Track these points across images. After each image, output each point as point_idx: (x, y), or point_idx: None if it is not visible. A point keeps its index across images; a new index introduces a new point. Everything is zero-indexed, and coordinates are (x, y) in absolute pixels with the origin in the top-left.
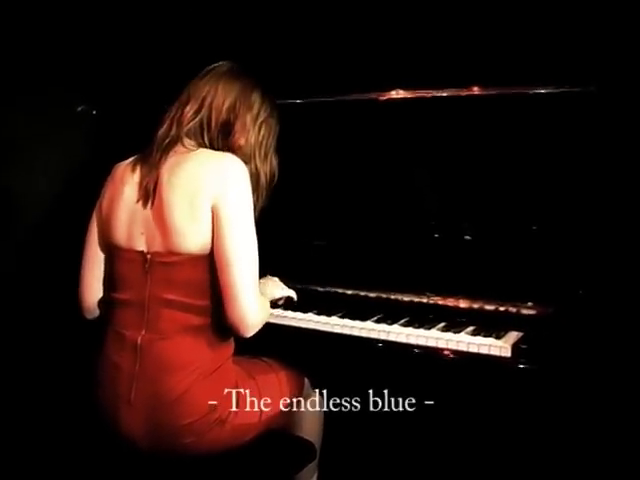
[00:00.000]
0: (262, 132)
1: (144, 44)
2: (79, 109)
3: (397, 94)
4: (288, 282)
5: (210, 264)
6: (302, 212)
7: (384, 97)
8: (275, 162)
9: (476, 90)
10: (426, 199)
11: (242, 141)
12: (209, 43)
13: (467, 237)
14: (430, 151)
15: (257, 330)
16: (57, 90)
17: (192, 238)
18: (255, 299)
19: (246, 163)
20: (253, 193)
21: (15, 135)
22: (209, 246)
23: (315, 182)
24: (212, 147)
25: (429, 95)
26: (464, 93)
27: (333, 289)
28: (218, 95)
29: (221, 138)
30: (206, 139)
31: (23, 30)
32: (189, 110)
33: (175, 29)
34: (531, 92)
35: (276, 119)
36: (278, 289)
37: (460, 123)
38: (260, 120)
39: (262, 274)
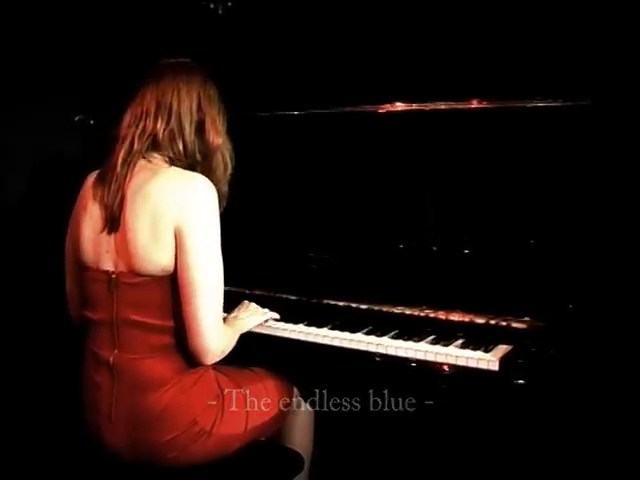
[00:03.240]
0: (224, 119)
1: (142, 54)
2: (76, 119)
3: (395, 107)
4: (280, 293)
5: (174, 286)
6: (297, 223)
7: (383, 109)
8: (231, 144)
9: (474, 103)
10: (424, 212)
11: (218, 139)
12: (207, 53)
13: (466, 251)
14: (429, 164)
15: (219, 358)
16: (54, 100)
17: (154, 261)
18: (217, 327)
19: (220, 157)
20: (222, 181)
21: (13, 144)
22: (172, 268)
23: (311, 193)
24: (186, 152)
25: (427, 108)
26: (462, 106)
27: (325, 300)
28: (183, 97)
29: (197, 141)
30: (180, 145)
31: (21, 40)
32: (155, 121)
33: (174, 40)
34: (529, 105)
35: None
36: (253, 318)
37: (458, 136)
38: (221, 108)
39: (253, 284)
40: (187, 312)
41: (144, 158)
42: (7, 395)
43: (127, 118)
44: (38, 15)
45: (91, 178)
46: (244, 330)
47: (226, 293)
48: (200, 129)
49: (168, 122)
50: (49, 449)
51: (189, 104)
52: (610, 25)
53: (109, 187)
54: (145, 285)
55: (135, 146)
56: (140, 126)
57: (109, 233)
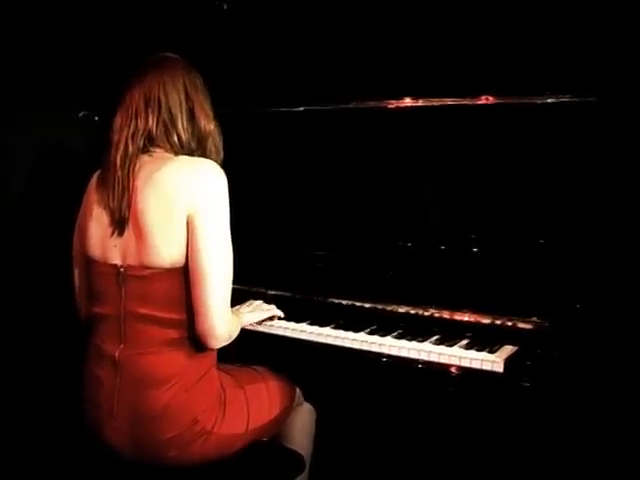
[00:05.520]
0: (210, 103)
1: (147, 49)
2: (81, 114)
3: (404, 102)
4: (283, 291)
5: (184, 277)
6: (302, 220)
7: (391, 105)
8: (219, 128)
9: (482, 99)
10: (431, 210)
11: (209, 124)
12: (212, 49)
13: (473, 249)
14: (436, 160)
15: (226, 343)
16: (59, 96)
17: (166, 251)
18: (225, 311)
19: (213, 141)
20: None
21: (16, 142)
22: (183, 259)
23: (317, 191)
24: (181, 142)
25: (435, 104)
26: (471, 102)
27: (329, 299)
28: (170, 89)
29: (189, 129)
30: (174, 137)
31: (25, 36)
32: (146, 118)
33: (179, 36)
34: (538, 102)
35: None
36: (259, 312)
37: (467, 133)
38: (206, 93)
39: (256, 282)
40: (196, 296)
41: (145, 153)
42: (9, 390)
43: (118, 121)
44: (40, 8)
45: (95, 178)
46: (247, 323)
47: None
48: (191, 117)
49: (159, 116)
50: (50, 445)
51: (177, 95)
52: (618, 22)
53: (113, 190)
54: (153, 278)
55: (130, 148)
56: (132, 126)
57: (118, 230)
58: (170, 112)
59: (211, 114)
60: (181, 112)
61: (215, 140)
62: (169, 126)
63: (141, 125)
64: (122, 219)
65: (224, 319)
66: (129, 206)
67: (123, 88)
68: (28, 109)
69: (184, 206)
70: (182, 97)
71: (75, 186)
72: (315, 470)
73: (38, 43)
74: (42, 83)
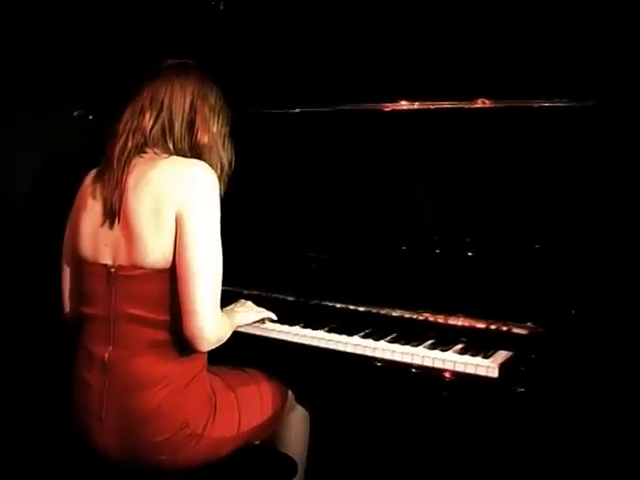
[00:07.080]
0: (220, 121)
1: (143, 49)
2: (75, 114)
3: (400, 105)
4: (277, 293)
5: (173, 278)
6: (296, 222)
7: (387, 108)
8: (231, 148)
9: (479, 103)
10: (426, 213)
11: (205, 137)
12: (208, 50)
13: (468, 254)
14: (432, 164)
15: (214, 346)
16: (54, 95)
17: (156, 250)
18: (214, 314)
19: (210, 156)
20: (220, 183)
21: (12, 140)
22: (171, 258)
23: (312, 193)
24: (176, 150)
25: (431, 107)
26: (467, 105)
27: (323, 302)
28: (176, 94)
29: (186, 138)
30: (170, 143)
31: (21, 35)
32: (147, 117)
33: (175, 36)
34: (534, 105)
35: (225, 104)
36: (250, 314)
37: (462, 136)
38: (217, 109)
39: (250, 284)
40: (183, 296)
41: (139, 155)
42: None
43: (125, 115)
44: (38, 9)
45: (90, 176)
46: (240, 324)
47: (222, 292)
48: (190, 127)
49: (157, 118)
50: (39, 450)
51: (182, 101)
52: (615, 26)
53: (108, 181)
54: (144, 278)
55: (129, 142)
56: (135, 122)
57: (109, 227)
58: (170, 117)
59: (215, 129)
60: (182, 120)
61: (221, 158)
62: (166, 130)
63: (142, 123)
64: (113, 210)
65: (213, 321)
66: (120, 199)
67: (137, 84)
68: (24, 109)
69: (173, 204)
70: (186, 105)
71: (68, 185)
72: (309, 474)
73: (35, 43)
74: (39, 83)
